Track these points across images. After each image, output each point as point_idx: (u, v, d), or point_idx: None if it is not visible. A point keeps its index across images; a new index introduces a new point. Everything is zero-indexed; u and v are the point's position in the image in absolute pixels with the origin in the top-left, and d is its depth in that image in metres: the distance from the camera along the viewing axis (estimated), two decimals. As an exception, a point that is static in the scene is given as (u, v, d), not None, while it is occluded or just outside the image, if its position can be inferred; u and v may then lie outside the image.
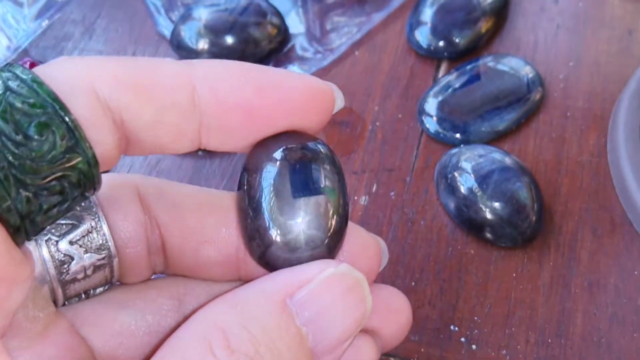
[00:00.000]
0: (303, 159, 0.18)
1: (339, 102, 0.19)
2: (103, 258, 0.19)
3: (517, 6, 0.37)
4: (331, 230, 0.18)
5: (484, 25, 0.36)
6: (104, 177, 0.19)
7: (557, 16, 0.36)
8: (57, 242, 0.18)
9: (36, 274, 0.18)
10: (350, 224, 0.19)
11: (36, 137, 0.15)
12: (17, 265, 0.15)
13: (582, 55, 0.35)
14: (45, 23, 0.37)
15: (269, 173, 0.18)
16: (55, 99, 0.15)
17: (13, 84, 0.15)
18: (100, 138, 0.16)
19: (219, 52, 0.35)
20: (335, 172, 0.18)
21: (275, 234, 0.17)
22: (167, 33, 0.37)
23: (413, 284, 0.29)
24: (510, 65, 0.34)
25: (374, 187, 0.32)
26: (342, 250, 0.19)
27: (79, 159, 0.16)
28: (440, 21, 0.36)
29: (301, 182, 0.17)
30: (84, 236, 0.18)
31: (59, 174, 0.15)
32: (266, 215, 0.17)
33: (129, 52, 0.37)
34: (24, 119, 0.15)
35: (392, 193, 0.32)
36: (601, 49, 0.35)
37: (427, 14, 0.36)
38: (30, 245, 0.18)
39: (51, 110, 0.15)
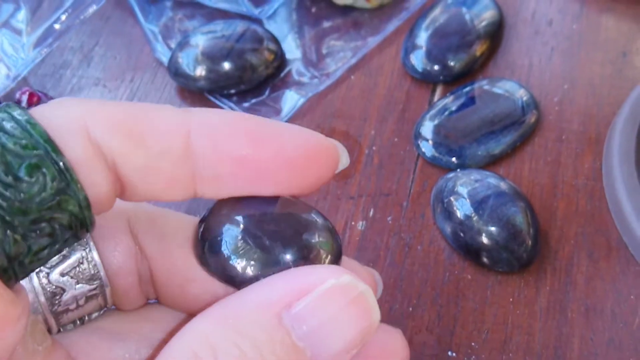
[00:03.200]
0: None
1: (344, 160, 0.19)
2: (95, 288, 0.19)
3: (511, 29, 0.37)
4: None
5: (478, 49, 0.36)
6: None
7: (551, 39, 0.37)
8: (48, 273, 0.18)
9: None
10: (344, 258, 0.19)
11: (26, 178, 0.15)
12: (7, 305, 0.15)
13: (577, 77, 0.35)
14: (44, 51, 0.38)
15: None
16: (48, 140, 0.15)
17: (7, 125, 0.15)
18: (93, 180, 0.16)
19: (216, 78, 0.35)
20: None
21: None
22: (165, 60, 0.37)
23: (410, 309, 0.29)
24: (505, 88, 0.34)
25: (371, 211, 0.32)
26: None
27: (71, 201, 0.16)
28: (435, 45, 0.36)
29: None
30: (75, 267, 0.18)
31: (49, 216, 0.15)
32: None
33: (127, 79, 0.37)
34: (15, 160, 0.15)
35: (389, 218, 0.32)
36: (595, 72, 0.35)
37: (422, 37, 0.36)
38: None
39: (43, 152, 0.15)
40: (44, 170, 0.15)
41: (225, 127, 0.17)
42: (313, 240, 0.17)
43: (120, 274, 0.19)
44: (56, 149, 0.16)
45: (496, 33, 0.37)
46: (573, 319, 0.28)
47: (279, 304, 0.16)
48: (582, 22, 0.37)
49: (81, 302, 0.19)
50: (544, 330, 0.28)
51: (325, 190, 0.33)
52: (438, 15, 0.37)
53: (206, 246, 0.18)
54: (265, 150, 0.17)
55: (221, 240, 0.17)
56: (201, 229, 0.18)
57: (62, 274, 0.18)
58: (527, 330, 0.28)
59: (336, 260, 0.18)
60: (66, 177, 0.16)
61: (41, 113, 0.16)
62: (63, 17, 0.38)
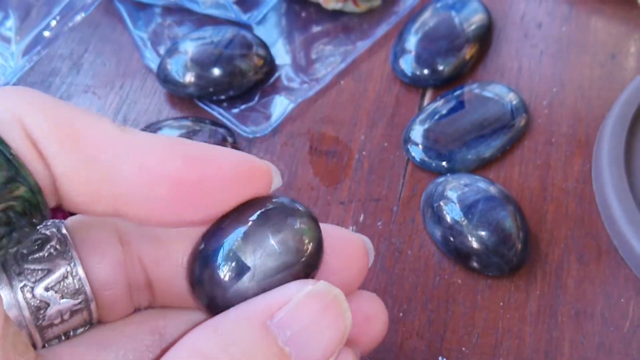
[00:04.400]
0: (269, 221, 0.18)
1: (277, 181, 0.19)
2: (80, 302, 0.19)
3: (500, 32, 0.37)
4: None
5: (468, 52, 0.36)
6: (80, 218, 0.19)
7: (540, 42, 0.37)
8: (32, 288, 0.18)
9: (12, 319, 0.18)
10: (332, 227, 0.20)
11: None
12: None
13: (566, 80, 0.35)
14: (34, 58, 0.38)
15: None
16: None
17: None
18: (35, 169, 0.16)
19: (205, 84, 0.35)
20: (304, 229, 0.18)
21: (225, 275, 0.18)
22: (154, 66, 0.37)
23: (401, 314, 0.29)
24: (495, 92, 0.34)
25: (361, 217, 0.32)
26: (328, 251, 0.19)
27: (22, 187, 0.16)
28: (425, 49, 0.36)
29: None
30: (59, 282, 0.18)
31: (3, 205, 0.15)
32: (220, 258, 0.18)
33: (117, 86, 0.37)
34: None
35: (379, 223, 0.32)
36: (585, 74, 0.35)
37: (412, 42, 0.36)
38: (5, 291, 0.18)
39: None
40: None
41: (157, 148, 0.17)
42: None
43: (107, 287, 0.19)
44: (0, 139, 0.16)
45: (485, 36, 0.37)
46: (563, 323, 0.28)
47: (263, 313, 0.17)
48: (571, 25, 0.37)
49: (66, 316, 0.19)
50: (534, 334, 0.28)
51: (315, 196, 0.33)
52: (427, 19, 0.37)
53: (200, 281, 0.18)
54: (198, 171, 0.17)
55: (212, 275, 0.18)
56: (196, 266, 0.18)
57: (47, 289, 0.18)
58: (517, 335, 0.28)
59: (319, 248, 0.18)
60: (14, 164, 0.16)
61: None
62: (52, 24, 0.37)
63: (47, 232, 0.19)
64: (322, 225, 0.19)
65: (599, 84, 0.35)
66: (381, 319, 0.22)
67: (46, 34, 0.38)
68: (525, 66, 0.36)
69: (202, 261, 0.18)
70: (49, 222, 0.19)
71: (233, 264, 0.17)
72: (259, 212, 0.18)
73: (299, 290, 0.17)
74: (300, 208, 0.18)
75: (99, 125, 0.17)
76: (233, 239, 0.18)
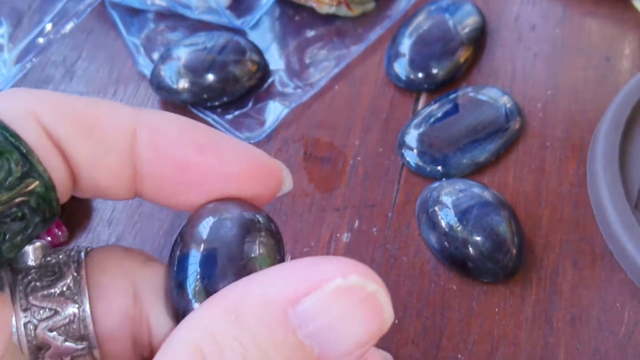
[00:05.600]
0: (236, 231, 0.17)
1: (287, 184, 0.19)
2: (83, 348, 0.18)
3: (494, 35, 0.37)
4: None
5: (462, 56, 0.36)
6: (101, 257, 0.19)
7: (534, 44, 0.37)
8: (36, 327, 0.18)
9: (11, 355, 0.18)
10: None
11: None
12: None
13: (560, 83, 0.35)
14: (27, 66, 0.37)
15: (196, 248, 0.17)
16: (4, 127, 0.16)
17: None
18: (52, 164, 0.17)
19: (199, 90, 0.35)
20: (270, 245, 0.18)
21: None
22: (148, 72, 0.37)
23: (396, 322, 0.29)
24: (489, 95, 0.34)
25: (356, 223, 0.32)
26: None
27: (36, 182, 0.16)
28: (419, 53, 0.36)
29: (228, 257, 0.17)
30: (65, 325, 0.18)
31: (18, 199, 0.16)
32: (189, 290, 0.17)
33: (110, 92, 0.37)
34: None
35: (374, 229, 0.32)
36: (579, 77, 0.35)
37: (405, 45, 0.36)
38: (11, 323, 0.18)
39: (2, 139, 0.16)
40: (7, 155, 0.16)
41: (172, 129, 0.18)
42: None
43: (112, 339, 0.19)
44: (15, 134, 0.16)
45: (479, 39, 0.36)
46: (559, 329, 0.28)
47: (284, 300, 0.16)
48: (565, 27, 0.37)
49: (66, 359, 0.18)
50: (529, 340, 0.28)
51: (310, 202, 0.33)
52: (421, 22, 0.37)
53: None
54: (208, 158, 0.18)
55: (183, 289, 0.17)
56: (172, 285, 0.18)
57: (51, 330, 0.18)
58: (513, 341, 0.28)
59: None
60: (29, 160, 0.16)
61: None
62: (45, 31, 0.37)
63: (64, 265, 0.18)
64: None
65: (593, 86, 0.35)
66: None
67: (39, 41, 0.38)
68: (519, 69, 0.36)
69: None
70: (72, 250, 0.19)
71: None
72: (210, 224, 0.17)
73: (327, 279, 0.16)
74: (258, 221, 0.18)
75: (114, 111, 0.17)
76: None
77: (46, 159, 0.16)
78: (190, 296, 0.17)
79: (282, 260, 0.18)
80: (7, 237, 0.16)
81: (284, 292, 0.16)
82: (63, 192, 0.17)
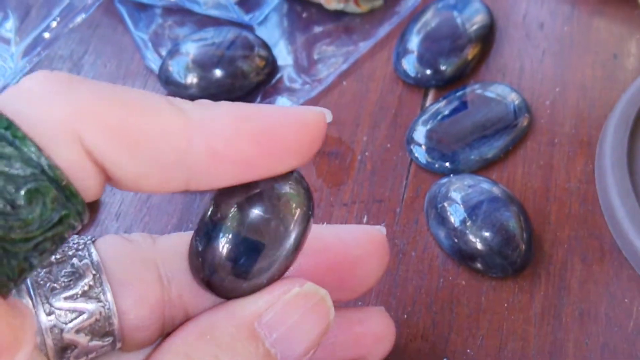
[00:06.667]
0: (263, 203, 0.18)
1: (328, 118, 0.19)
2: (107, 344, 0.18)
3: (502, 32, 0.37)
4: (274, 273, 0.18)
5: (470, 52, 0.36)
6: (114, 250, 0.19)
7: (542, 42, 0.37)
8: (62, 330, 0.18)
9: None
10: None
11: (25, 205, 0.14)
12: (16, 332, 0.14)
13: (568, 80, 0.35)
14: (34, 60, 0.37)
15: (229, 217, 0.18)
16: (41, 156, 0.15)
17: None
18: (86, 185, 0.16)
19: (207, 86, 0.35)
20: (296, 213, 0.19)
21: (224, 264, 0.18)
22: (155, 67, 0.37)
23: (405, 316, 0.29)
24: (497, 92, 0.34)
25: (364, 218, 0.32)
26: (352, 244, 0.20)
27: (70, 214, 0.15)
28: (427, 49, 0.36)
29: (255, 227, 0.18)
30: (91, 324, 0.18)
31: (51, 233, 0.15)
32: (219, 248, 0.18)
33: (118, 87, 0.37)
34: (10, 185, 0.14)
35: (382, 224, 0.32)
36: (587, 74, 0.35)
37: (414, 42, 0.36)
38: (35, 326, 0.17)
39: (38, 171, 0.15)
40: (43, 191, 0.15)
41: (226, 129, 0.17)
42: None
43: (141, 328, 0.19)
44: (52, 166, 0.15)
45: (487, 36, 0.37)
46: (567, 324, 0.28)
47: (251, 315, 0.18)
48: (573, 25, 0.37)
49: (91, 356, 0.18)
50: (538, 335, 0.28)
51: (318, 197, 0.33)
52: (429, 19, 0.37)
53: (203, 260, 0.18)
54: (265, 147, 0.17)
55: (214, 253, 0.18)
56: (197, 245, 0.18)
57: (77, 331, 0.18)
58: (522, 336, 0.28)
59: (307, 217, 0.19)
60: (64, 192, 0.15)
61: (20, 111, 0.15)
62: (52, 25, 0.37)
63: (79, 263, 0.18)
64: (341, 226, 0.20)
65: (601, 84, 0.35)
66: (389, 337, 0.23)
67: (46, 35, 0.38)
68: (528, 66, 0.36)
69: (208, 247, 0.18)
70: (80, 243, 0.19)
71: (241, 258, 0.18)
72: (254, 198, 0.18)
73: (286, 291, 0.18)
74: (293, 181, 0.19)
75: (159, 118, 0.16)
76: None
77: (82, 182, 0.16)
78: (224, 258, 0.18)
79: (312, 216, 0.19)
80: (33, 266, 0.15)
81: (249, 308, 0.18)
82: (93, 200, 0.17)
